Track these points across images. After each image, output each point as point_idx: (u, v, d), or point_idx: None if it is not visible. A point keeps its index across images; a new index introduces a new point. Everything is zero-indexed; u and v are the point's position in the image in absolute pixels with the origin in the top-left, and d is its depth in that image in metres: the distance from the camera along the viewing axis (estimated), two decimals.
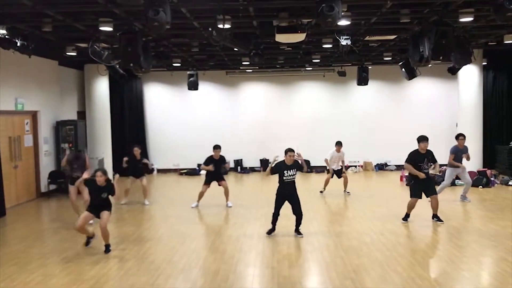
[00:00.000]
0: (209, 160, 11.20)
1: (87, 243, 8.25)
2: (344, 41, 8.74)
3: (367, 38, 10.22)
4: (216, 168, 11.22)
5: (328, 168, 13.01)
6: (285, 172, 8.54)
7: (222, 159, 11.45)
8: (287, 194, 8.63)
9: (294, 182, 8.64)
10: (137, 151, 12.11)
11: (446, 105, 18.13)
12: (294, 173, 8.59)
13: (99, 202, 8.02)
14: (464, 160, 11.64)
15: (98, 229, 8.09)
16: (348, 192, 13.08)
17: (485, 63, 16.10)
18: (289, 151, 8.60)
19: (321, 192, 13.15)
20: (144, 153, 18.31)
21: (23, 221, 10.64)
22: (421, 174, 9.14)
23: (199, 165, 18.16)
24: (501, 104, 17.27)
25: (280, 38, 8.80)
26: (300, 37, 8.73)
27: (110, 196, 8.13)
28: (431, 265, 7.07)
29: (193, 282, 6.46)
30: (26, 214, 11.48)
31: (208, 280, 6.48)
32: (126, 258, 7.55)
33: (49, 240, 9.05)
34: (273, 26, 8.61)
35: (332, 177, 13.00)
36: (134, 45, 7.88)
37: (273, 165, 8.51)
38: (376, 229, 9.05)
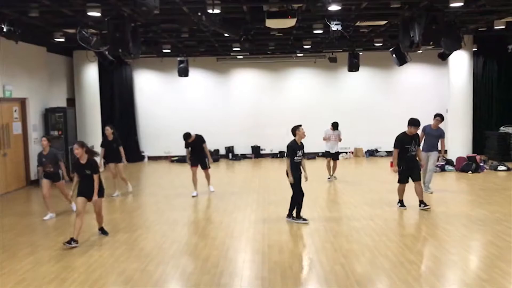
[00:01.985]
0: (187, 145, 11.12)
1: (69, 242, 7.42)
2: (335, 27, 8.68)
3: (357, 23, 10.16)
4: (197, 148, 11.07)
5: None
6: (297, 152, 8.36)
7: (199, 139, 11.16)
8: (300, 176, 8.46)
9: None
10: (108, 130, 11.36)
11: (436, 91, 18.19)
12: (303, 153, 8.48)
13: (86, 183, 7.61)
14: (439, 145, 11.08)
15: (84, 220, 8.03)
16: (335, 177, 13.20)
17: (475, 49, 16.15)
18: (299, 126, 8.43)
19: (329, 178, 13.15)
20: (135, 141, 18.28)
21: (12, 210, 10.58)
22: (396, 169, 9.12)
23: None
24: (491, 89, 17.36)
25: (270, 23, 8.73)
26: (290, 22, 8.67)
27: (100, 182, 7.77)
28: (420, 249, 7.12)
29: (184, 267, 6.47)
30: (16, 202, 11.41)
31: (198, 265, 6.49)
32: (116, 245, 7.53)
33: (39, 228, 9.00)
34: (263, 11, 8.54)
35: (330, 157, 13.11)
36: (122, 30, 7.78)
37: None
38: (365, 215, 9.10)
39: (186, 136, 11.04)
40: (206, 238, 7.89)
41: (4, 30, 8.48)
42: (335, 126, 13.05)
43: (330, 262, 6.46)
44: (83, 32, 8.90)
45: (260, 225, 8.57)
